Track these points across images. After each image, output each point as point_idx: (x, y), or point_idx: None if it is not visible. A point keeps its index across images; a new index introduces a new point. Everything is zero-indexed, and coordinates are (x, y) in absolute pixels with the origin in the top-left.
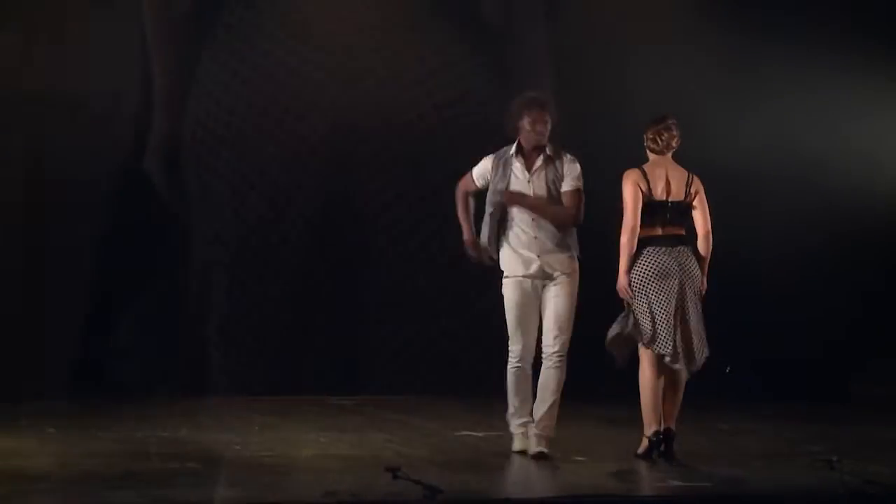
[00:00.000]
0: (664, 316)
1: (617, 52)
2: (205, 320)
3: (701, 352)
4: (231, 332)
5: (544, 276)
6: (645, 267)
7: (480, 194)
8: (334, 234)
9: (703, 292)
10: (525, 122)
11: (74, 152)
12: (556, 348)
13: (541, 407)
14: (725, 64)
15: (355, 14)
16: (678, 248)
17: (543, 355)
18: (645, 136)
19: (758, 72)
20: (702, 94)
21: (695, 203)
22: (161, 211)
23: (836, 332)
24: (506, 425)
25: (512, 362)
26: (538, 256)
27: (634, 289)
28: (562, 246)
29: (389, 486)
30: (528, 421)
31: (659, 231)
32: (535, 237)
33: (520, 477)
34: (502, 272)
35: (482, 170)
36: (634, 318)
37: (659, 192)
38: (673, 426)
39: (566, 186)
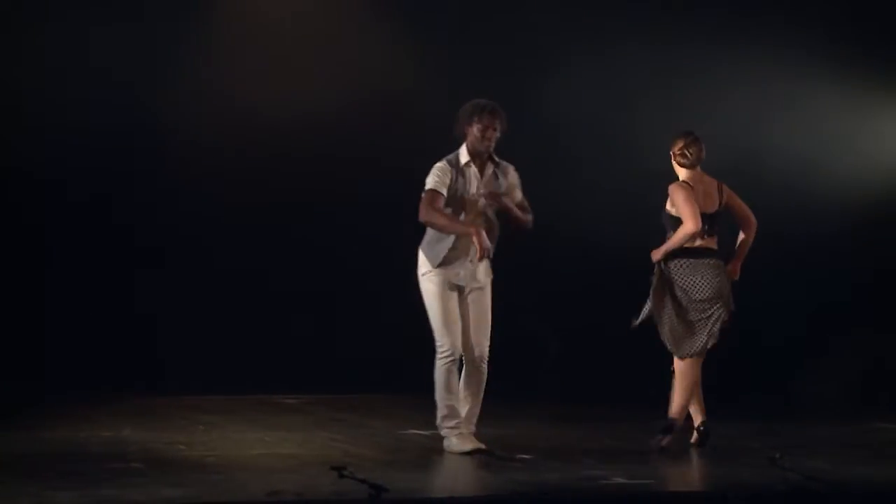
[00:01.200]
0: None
1: (551, 54)
2: (149, 319)
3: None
4: (174, 330)
5: (471, 281)
6: (675, 278)
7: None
8: (280, 232)
9: (735, 278)
10: (475, 129)
11: None
12: (480, 352)
13: (465, 405)
14: (663, 64)
15: (301, 13)
16: (708, 261)
17: (467, 358)
18: (672, 153)
19: (689, 70)
20: (642, 96)
21: (730, 204)
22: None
23: (774, 330)
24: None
25: (443, 358)
26: (471, 262)
27: (658, 296)
28: (485, 262)
29: (335, 486)
30: (461, 421)
31: (698, 243)
32: (470, 247)
33: (465, 475)
34: (422, 269)
35: (444, 178)
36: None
37: (703, 205)
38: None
39: (518, 195)
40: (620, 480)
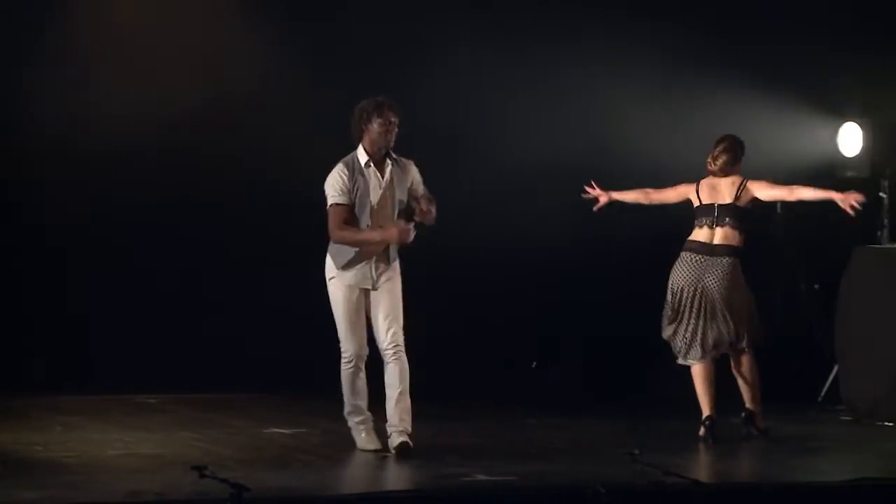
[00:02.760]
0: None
1: (415, 55)
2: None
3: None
4: (32, 329)
5: (374, 281)
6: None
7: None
8: (151, 230)
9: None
10: (376, 125)
11: None
12: (393, 340)
13: (390, 402)
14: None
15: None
16: (709, 257)
17: (383, 352)
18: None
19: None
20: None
21: (757, 195)
22: None
23: (632, 328)
24: (314, 422)
25: (347, 363)
26: (374, 263)
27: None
28: (392, 253)
29: (196, 485)
30: (368, 418)
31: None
32: (374, 248)
33: (326, 474)
34: (329, 274)
35: (344, 187)
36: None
37: (706, 198)
38: (752, 407)
39: (422, 188)
40: (482, 477)
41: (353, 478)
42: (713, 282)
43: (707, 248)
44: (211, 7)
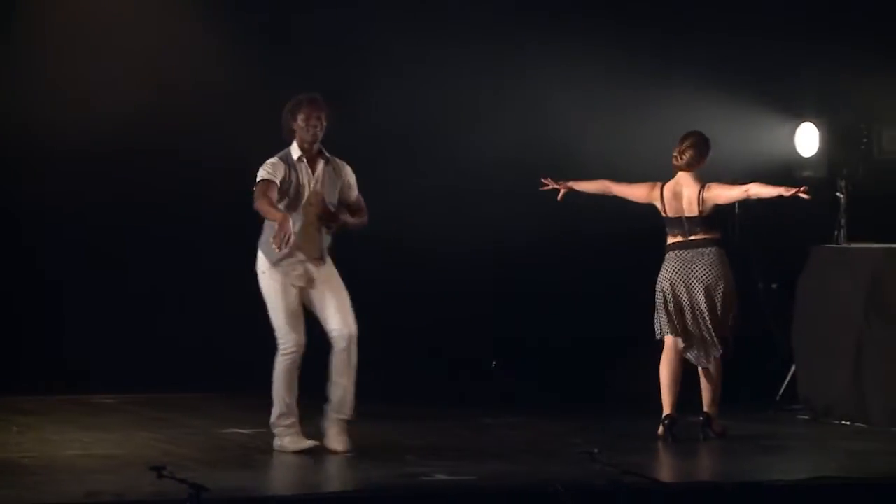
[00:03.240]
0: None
1: (367, 55)
2: None
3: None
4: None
5: (311, 280)
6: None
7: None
8: (106, 230)
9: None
10: (299, 120)
11: None
12: (350, 332)
13: (338, 390)
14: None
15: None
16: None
17: (335, 340)
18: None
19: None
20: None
21: (718, 202)
22: None
23: (591, 327)
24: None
25: (286, 355)
26: (308, 262)
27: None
28: (324, 251)
29: (154, 486)
30: (296, 420)
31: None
32: (307, 244)
33: (287, 474)
34: (262, 267)
35: (277, 171)
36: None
37: (671, 210)
38: (711, 411)
39: (354, 193)
40: (442, 477)
41: (313, 478)
42: (702, 271)
43: (689, 244)
44: (167, 6)
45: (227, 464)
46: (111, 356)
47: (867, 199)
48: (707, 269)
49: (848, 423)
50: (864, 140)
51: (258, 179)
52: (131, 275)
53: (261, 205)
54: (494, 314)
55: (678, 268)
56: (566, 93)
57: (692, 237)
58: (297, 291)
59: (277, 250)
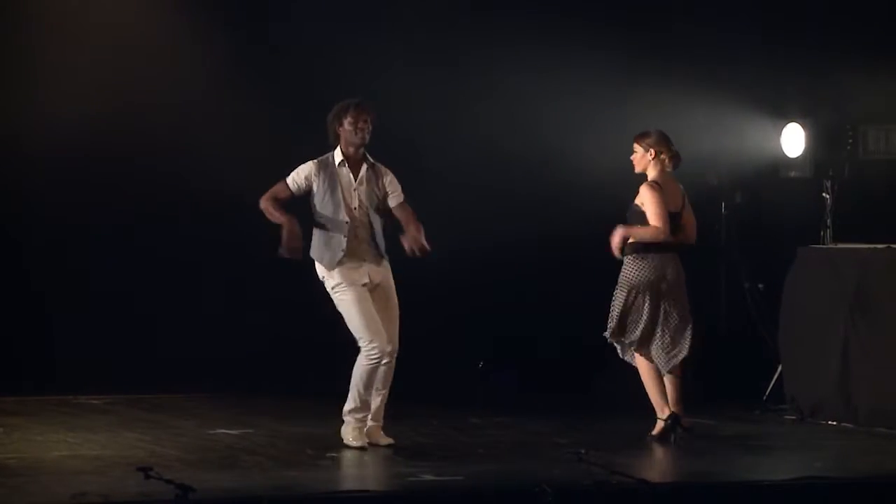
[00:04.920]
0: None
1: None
2: None
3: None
4: None
5: (368, 277)
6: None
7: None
8: (93, 230)
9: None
10: (347, 124)
11: None
12: (393, 347)
13: (376, 399)
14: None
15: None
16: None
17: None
18: (654, 151)
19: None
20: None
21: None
22: None
23: (578, 327)
24: (260, 422)
25: (372, 358)
26: (365, 262)
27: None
28: (381, 252)
29: (141, 486)
30: (369, 415)
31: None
32: (361, 246)
33: (273, 474)
34: (330, 283)
35: (300, 176)
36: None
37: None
38: (677, 409)
39: (398, 199)
40: (429, 477)
41: (299, 478)
42: (673, 275)
43: (662, 247)
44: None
45: (214, 464)
46: (97, 357)
47: (853, 200)
48: (678, 274)
49: (834, 423)
50: (850, 140)
51: (283, 179)
52: (117, 276)
53: (263, 202)
54: (482, 314)
55: (650, 270)
56: (559, 94)
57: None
58: (366, 291)
59: (342, 239)
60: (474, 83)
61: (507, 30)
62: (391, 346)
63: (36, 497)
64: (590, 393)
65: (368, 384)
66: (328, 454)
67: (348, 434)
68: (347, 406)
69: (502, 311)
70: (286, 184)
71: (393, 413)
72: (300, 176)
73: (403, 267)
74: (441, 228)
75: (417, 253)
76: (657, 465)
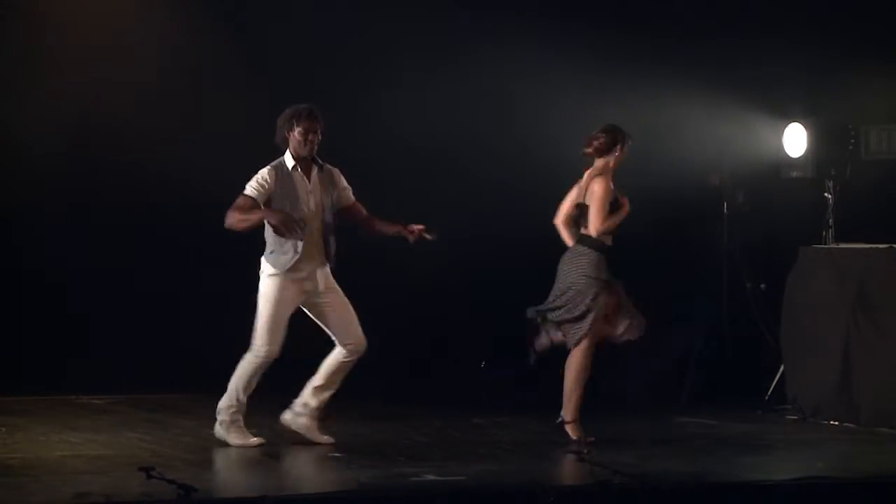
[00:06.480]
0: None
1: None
2: None
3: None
4: None
5: (314, 283)
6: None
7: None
8: (95, 230)
9: None
10: (297, 133)
11: None
12: (362, 347)
13: (326, 392)
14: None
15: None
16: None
17: (347, 350)
18: (617, 149)
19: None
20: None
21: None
22: None
23: None
24: (261, 423)
25: (260, 358)
26: (314, 264)
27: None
28: (330, 254)
29: (143, 486)
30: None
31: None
32: (313, 248)
33: (275, 474)
34: (267, 271)
35: (260, 184)
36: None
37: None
38: None
39: (350, 198)
40: (431, 477)
41: (301, 478)
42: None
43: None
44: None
45: (216, 464)
46: (100, 357)
47: (855, 200)
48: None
49: (836, 423)
50: (852, 140)
51: (243, 193)
52: (120, 276)
53: (232, 218)
54: (484, 315)
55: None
56: (561, 95)
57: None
58: (295, 303)
59: (297, 242)
60: (475, 83)
61: (507, 30)
62: (362, 345)
63: (38, 497)
64: (594, 392)
65: (248, 385)
66: (330, 454)
67: (229, 437)
68: (223, 402)
69: (502, 311)
70: (247, 196)
71: (394, 413)
72: (259, 184)
73: (404, 267)
74: (441, 228)
75: (427, 236)
76: (659, 465)
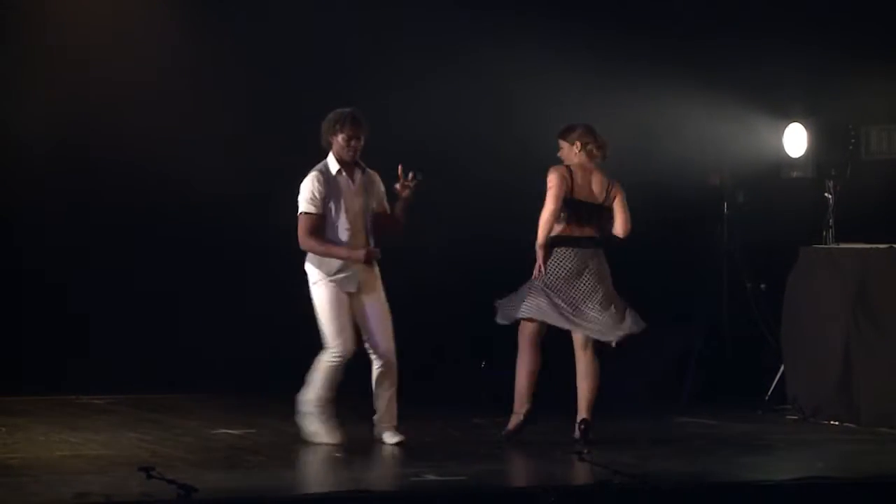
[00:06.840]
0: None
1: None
2: None
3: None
4: None
5: (359, 285)
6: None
7: None
8: (96, 230)
9: None
10: (340, 138)
11: None
12: (387, 348)
13: (383, 401)
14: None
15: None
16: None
17: (378, 356)
18: (580, 143)
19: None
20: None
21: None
22: None
23: None
24: (262, 422)
25: (337, 358)
26: (359, 269)
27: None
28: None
29: (143, 486)
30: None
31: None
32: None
33: (276, 474)
34: (312, 279)
35: (313, 195)
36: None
37: (583, 194)
38: (588, 416)
39: (385, 205)
40: (431, 477)
41: (302, 479)
42: (591, 272)
43: (582, 242)
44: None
45: (216, 464)
46: (100, 357)
47: (855, 200)
48: (597, 272)
49: (837, 423)
50: (852, 140)
51: (299, 211)
52: (120, 276)
53: (315, 248)
54: (485, 315)
55: (573, 263)
56: (560, 95)
57: (584, 233)
58: (349, 301)
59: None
60: (475, 83)
61: (507, 30)
62: (385, 347)
63: (38, 497)
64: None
65: (330, 383)
66: (331, 454)
67: (316, 429)
68: (304, 393)
69: None
70: (310, 215)
71: (395, 413)
72: (313, 195)
73: (404, 268)
74: (441, 228)
75: (409, 183)
76: (660, 465)
